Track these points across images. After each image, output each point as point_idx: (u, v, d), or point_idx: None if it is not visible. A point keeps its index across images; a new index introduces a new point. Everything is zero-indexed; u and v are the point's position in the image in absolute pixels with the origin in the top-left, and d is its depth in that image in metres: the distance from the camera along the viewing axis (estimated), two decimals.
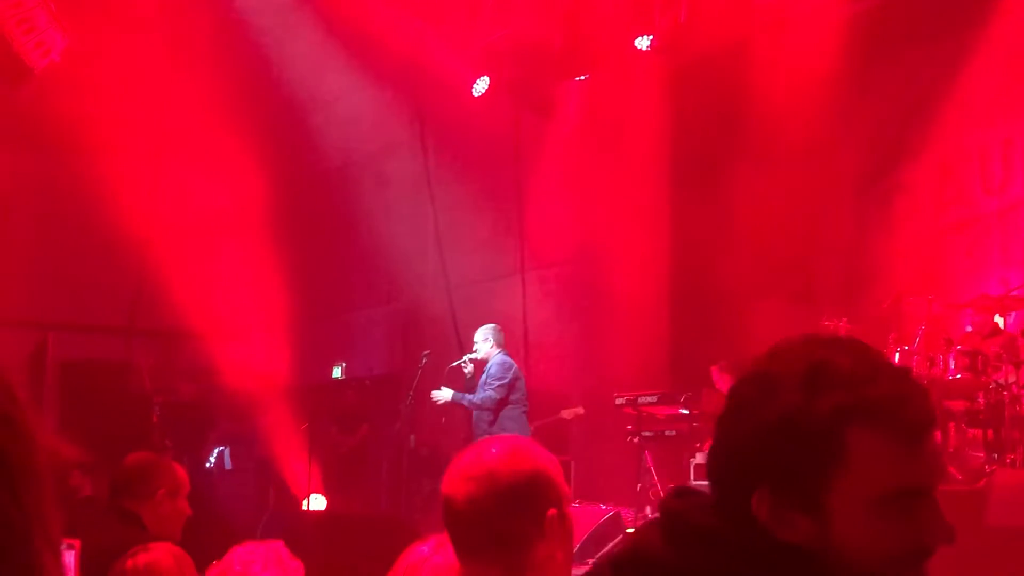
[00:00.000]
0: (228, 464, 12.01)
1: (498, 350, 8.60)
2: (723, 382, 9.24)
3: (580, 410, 10.03)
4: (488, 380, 8.45)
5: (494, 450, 2.09)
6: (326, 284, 13.49)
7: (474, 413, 8.56)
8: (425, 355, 10.18)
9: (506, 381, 8.41)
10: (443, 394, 8.53)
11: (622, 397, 9.17)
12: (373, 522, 9.28)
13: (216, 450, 11.94)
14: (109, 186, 11.13)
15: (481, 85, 11.10)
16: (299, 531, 8.31)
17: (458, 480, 2.06)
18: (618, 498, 9.32)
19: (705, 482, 1.38)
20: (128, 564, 2.92)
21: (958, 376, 7.39)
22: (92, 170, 11.18)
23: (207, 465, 11.70)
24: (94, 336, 12.43)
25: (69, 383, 11.65)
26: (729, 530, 1.27)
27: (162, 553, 2.98)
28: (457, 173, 12.74)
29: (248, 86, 11.64)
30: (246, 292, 11.56)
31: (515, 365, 8.63)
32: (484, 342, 8.61)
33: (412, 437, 10.39)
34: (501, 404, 8.39)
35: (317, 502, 10.65)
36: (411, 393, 10.37)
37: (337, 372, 13.15)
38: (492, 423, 8.33)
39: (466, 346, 12.23)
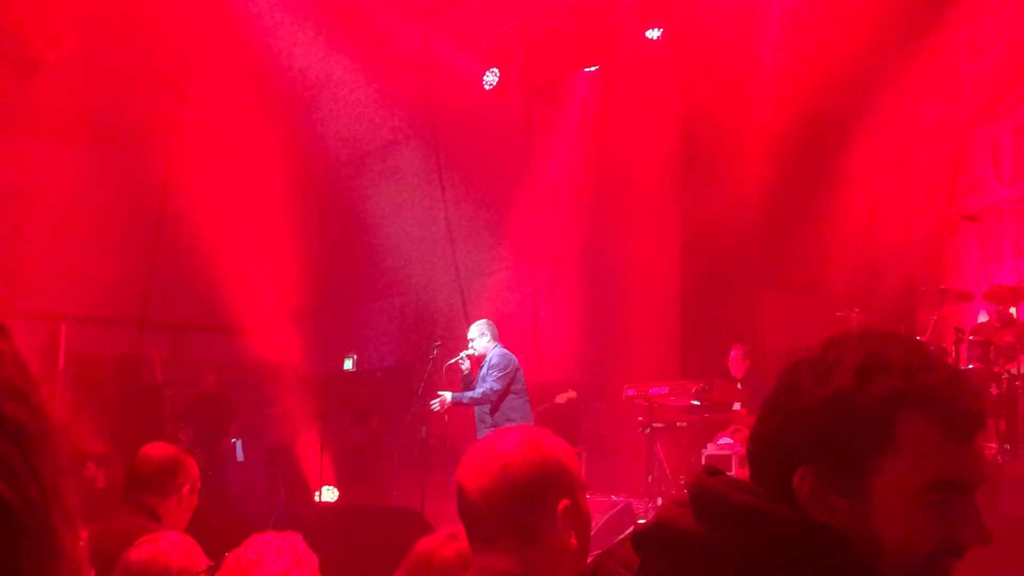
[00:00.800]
0: (240, 456, 12.05)
1: (495, 343, 8.59)
2: (741, 367, 9.23)
3: (572, 394, 10.05)
4: (489, 372, 8.42)
5: (507, 441, 2.09)
6: (337, 276, 13.51)
7: (477, 412, 8.54)
8: (436, 346, 10.18)
9: (508, 372, 8.40)
10: (443, 397, 8.50)
11: (633, 389, 9.18)
12: (385, 513, 9.29)
13: (230, 441, 11.98)
14: (122, 178, 11.18)
15: (491, 77, 11.09)
16: (311, 522, 8.34)
17: (472, 471, 2.06)
18: (629, 489, 9.33)
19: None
20: (133, 555, 2.93)
21: (970, 366, 7.37)
22: (105, 162, 11.22)
23: (233, 457, 11.74)
24: (106, 328, 12.48)
25: (81, 375, 11.69)
26: (763, 507, 1.27)
27: (168, 543, 2.99)
28: (468, 165, 12.73)
29: (259, 79, 11.65)
30: (257, 285, 11.59)
31: (514, 356, 8.61)
32: (481, 337, 8.57)
33: (423, 428, 10.39)
34: (503, 395, 8.38)
35: (329, 493, 10.68)
36: (422, 385, 10.39)
37: (348, 364, 13.18)
38: (493, 413, 8.33)
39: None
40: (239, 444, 12.02)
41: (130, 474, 3.88)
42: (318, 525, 8.15)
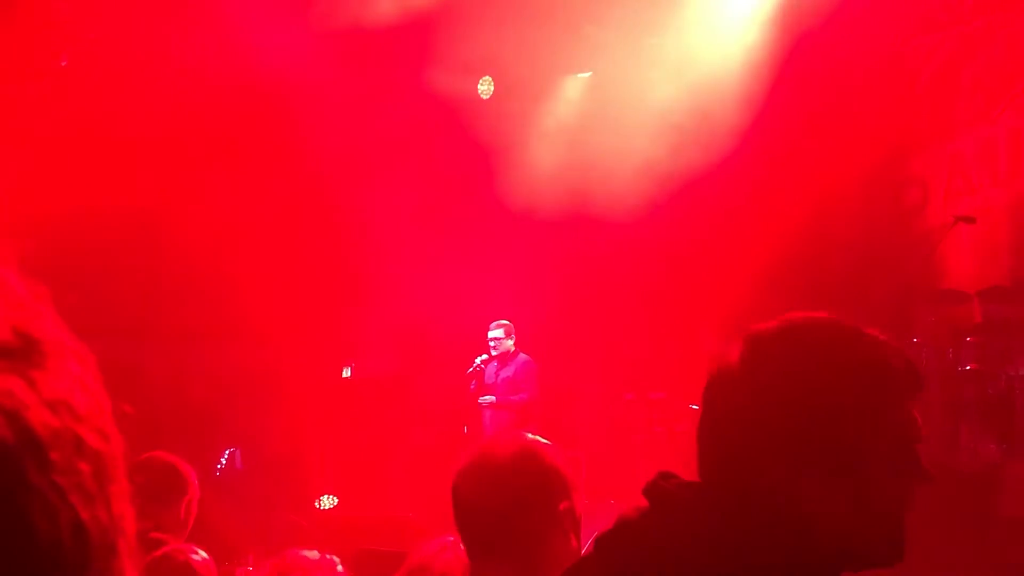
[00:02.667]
0: (239, 465, 12.02)
1: (513, 346, 8.55)
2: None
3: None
4: (522, 380, 8.34)
5: (504, 446, 2.08)
6: (335, 284, 13.48)
7: (488, 412, 8.49)
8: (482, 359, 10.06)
9: (537, 380, 8.37)
10: (489, 398, 8.46)
11: (632, 393, 9.18)
12: (385, 522, 9.28)
13: (227, 451, 11.95)
14: (118, 184, 11.15)
15: (486, 86, 11.04)
16: (311, 531, 8.32)
17: (470, 478, 2.05)
18: (628, 494, 9.32)
19: None
20: (164, 563, 2.90)
21: (968, 367, 7.37)
22: (104, 170, 11.20)
23: (218, 466, 11.72)
24: (105, 338, 12.44)
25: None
26: (727, 504, 1.32)
27: (196, 556, 2.97)
28: (463, 169, 12.72)
29: (255, 88, 11.63)
30: (256, 293, 11.56)
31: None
32: (507, 339, 8.50)
33: (424, 436, 10.40)
34: (533, 405, 8.34)
35: (329, 501, 10.67)
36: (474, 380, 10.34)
37: (347, 373, 13.15)
38: (518, 424, 8.26)
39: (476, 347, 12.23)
40: (238, 453, 12.00)
41: (134, 482, 3.85)
42: (317, 533, 8.13)
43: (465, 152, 12.04)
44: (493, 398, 8.42)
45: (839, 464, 1.29)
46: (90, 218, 11.37)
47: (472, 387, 8.63)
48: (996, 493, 6.42)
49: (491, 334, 8.58)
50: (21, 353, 0.65)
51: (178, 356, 12.42)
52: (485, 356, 8.58)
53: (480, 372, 8.60)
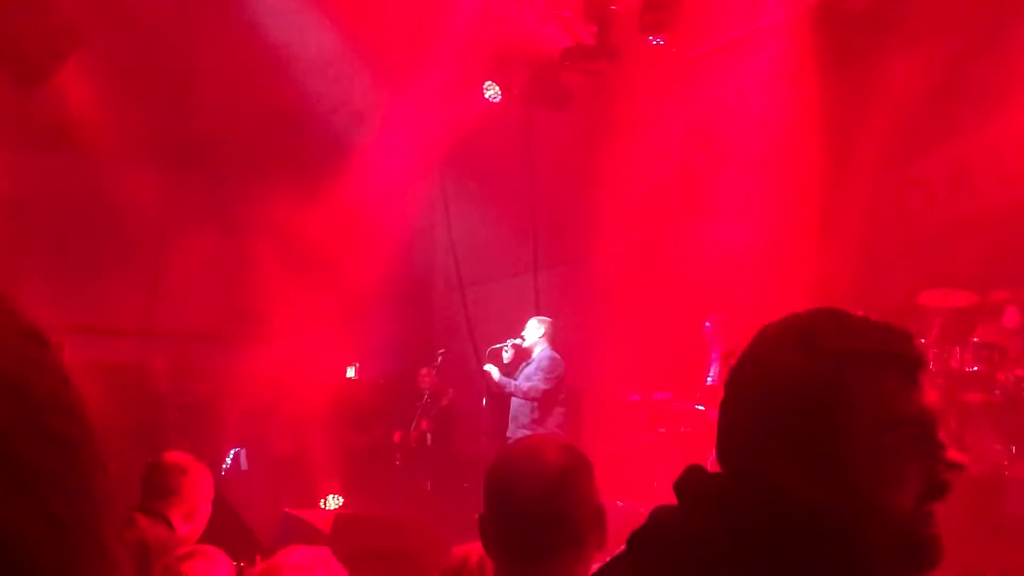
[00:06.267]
0: (244, 464, 12.04)
1: (545, 343, 8.52)
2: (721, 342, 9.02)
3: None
4: (537, 371, 8.33)
5: (551, 447, 2.06)
6: (340, 284, 13.50)
7: (513, 407, 8.46)
8: (440, 354, 10.18)
9: (556, 375, 8.33)
10: (491, 370, 8.43)
11: (637, 394, 9.17)
12: (389, 523, 9.28)
13: (232, 451, 11.97)
14: (124, 188, 11.18)
15: (492, 91, 11.01)
16: (315, 532, 8.32)
17: (524, 480, 2.01)
18: (634, 495, 9.31)
19: None
20: (185, 567, 2.89)
21: (975, 369, 7.36)
22: (107, 172, 11.23)
23: (223, 467, 11.73)
24: (110, 338, 12.46)
25: (86, 386, 11.64)
26: (745, 495, 1.31)
27: (218, 558, 2.97)
28: (470, 172, 12.74)
29: (261, 92, 11.63)
30: (261, 293, 11.57)
31: (562, 362, 8.53)
32: (535, 331, 8.51)
33: (428, 436, 10.41)
34: (550, 401, 8.29)
35: (334, 502, 10.68)
36: (427, 393, 10.39)
37: (351, 372, 13.17)
38: (537, 420, 8.24)
39: (479, 345, 12.24)
40: (243, 453, 12.01)
41: (145, 483, 3.85)
42: (321, 534, 8.13)
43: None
44: (495, 368, 8.45)
45: (842, 456, 1.27)
46: (91, 214, 11.39)
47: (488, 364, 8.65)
48: (1002, 494, 6.41)
49: (527, 325, 8.62)
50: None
51: (183, 355, 12.44)
52: (514, 341, 8.57)
53: (498, 352, 8.64)
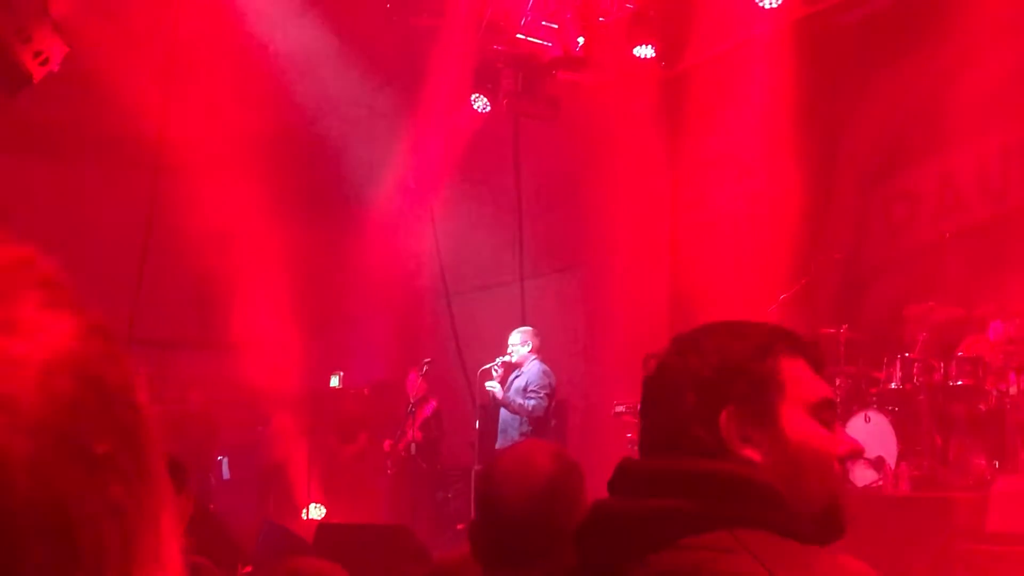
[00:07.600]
0: (226, 474, 11.97)
1: (534, 356, 8.45)
2: None
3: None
4: (532, 388, 8.25)
5: (541, 453, 2.06)
6: (324, 293, 13.46)
7: (503, 419, 8.39)
8: (426, 363, 10.14)
9: (550, 389, 8.27)
10: (494, 388, 8.35)
11: (622, 405, 9.14)
12: (373, 531, 9.24)
13: (216, 460, 11.90)
14: (107, 194, 11.13)
15: (480, 102, 10.98)
16: (297, 541, 8.27)
17: (514, 485, 2.01)
18: None
19: None
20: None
21: (959, 383, 7.37)
22: (90, 177, 11.18)
23: (219, 475, 11.67)
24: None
25: None
26: (685, 465, 1.47)
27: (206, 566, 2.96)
28: (456, 180, 12.73)
29: (255, 101, 11.59)
30: (244, 302, 11.53)
31: (552, 374, 8.46)
32: (522, 345, 8.41)
33: (412, 445, 10.36)
34: (546, 415, 8.24)
35: (316, 511, 10.62)
36: (412, 402, 10.36)
37: (335, 381, 13.12)
38: (527, 435, 8.17)
39: (465, 354, 12.22)
40: (225, 462, 11.95)
41: None
42: (304, 543, 8.08)
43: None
44: (496, 385, 8.38)
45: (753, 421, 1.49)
46: (84, 221, 11.33)
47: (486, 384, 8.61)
48: (985, 508, 6.41)
49: (510, 339, 8.55)
50: None
51: (163, 364, 12.37)
52: (503, 359, 8.51)
53: (488, 372, 8.59)
